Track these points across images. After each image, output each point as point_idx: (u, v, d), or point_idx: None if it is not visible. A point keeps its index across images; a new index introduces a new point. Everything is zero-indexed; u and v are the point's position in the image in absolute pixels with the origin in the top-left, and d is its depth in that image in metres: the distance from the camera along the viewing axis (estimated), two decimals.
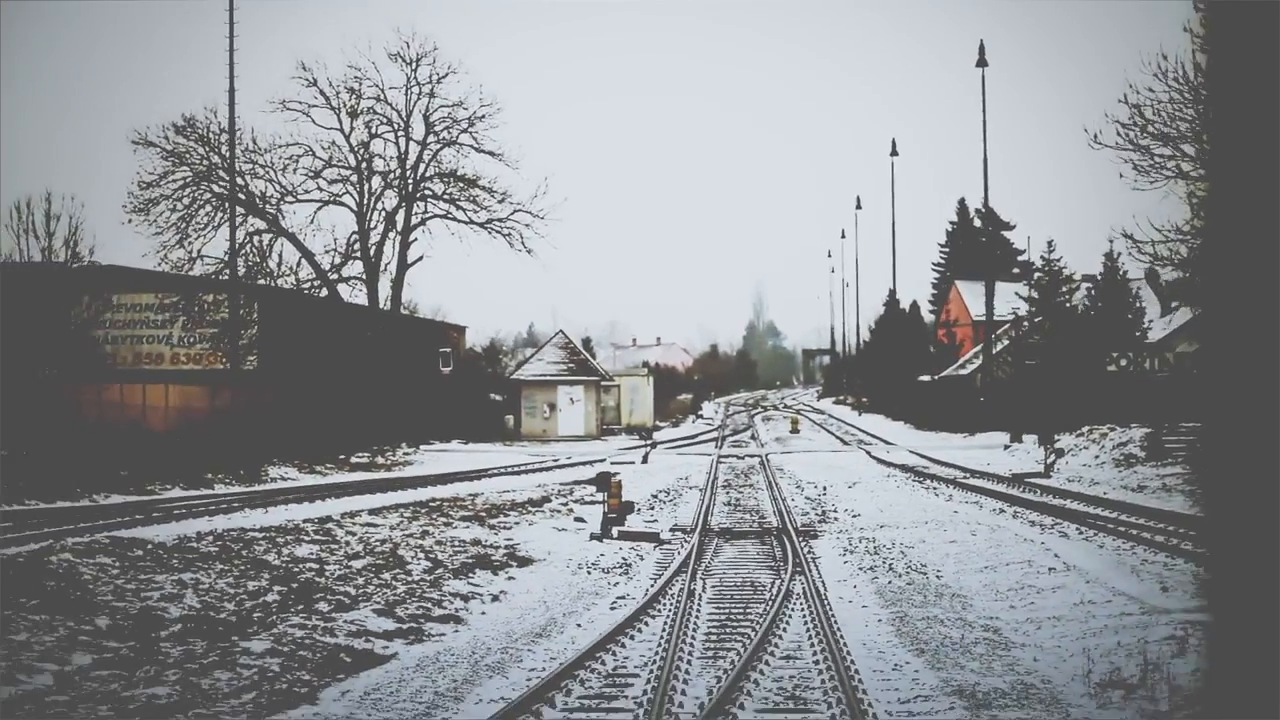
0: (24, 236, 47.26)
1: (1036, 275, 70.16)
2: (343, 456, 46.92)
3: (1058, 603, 16.98)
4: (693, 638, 15.05)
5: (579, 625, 16.17)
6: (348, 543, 23.44)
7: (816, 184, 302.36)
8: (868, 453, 53.07)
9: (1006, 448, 48.24)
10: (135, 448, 41.02)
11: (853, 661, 13.39)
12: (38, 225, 47.16)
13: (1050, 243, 72.69)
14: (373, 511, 28.52)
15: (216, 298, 58.61)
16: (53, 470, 35.33)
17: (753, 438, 71.70)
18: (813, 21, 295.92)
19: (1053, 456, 38.77)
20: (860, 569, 20.60)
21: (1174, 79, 28.46)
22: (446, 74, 61.25)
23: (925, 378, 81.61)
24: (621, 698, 12.15)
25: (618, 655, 14.11)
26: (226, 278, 57.79)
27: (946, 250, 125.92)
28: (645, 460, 48.45)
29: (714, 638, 15.17)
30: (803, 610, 16.57)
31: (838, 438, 69.43)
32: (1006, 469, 39.17)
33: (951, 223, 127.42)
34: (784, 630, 15.43)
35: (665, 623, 15.67)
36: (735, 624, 15.99)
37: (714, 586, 18.97)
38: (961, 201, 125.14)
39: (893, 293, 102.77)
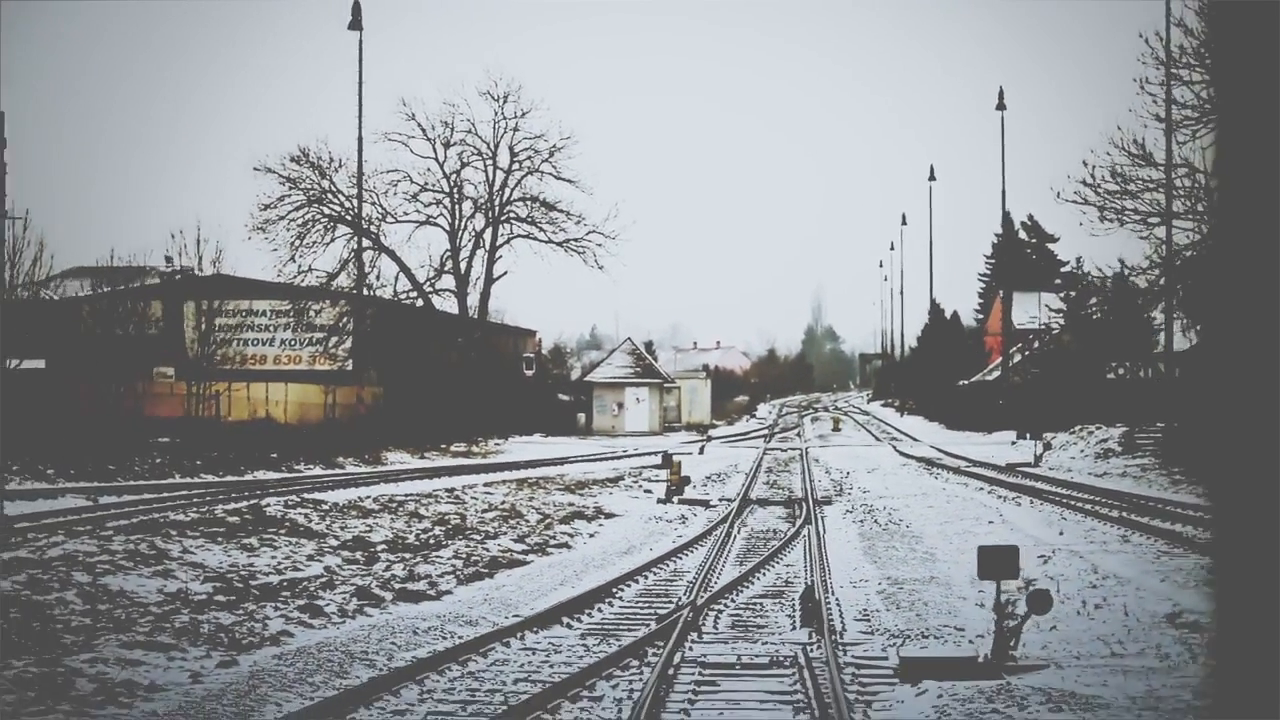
0: (179, 256, 55.46)
1: (1063, 292, 77.45)
2: (444, 446, 55.03)
3: (983, 541, 24.37)
4: (727, 555, 22.65)
5: (650, 549, 23.75)
6: (475, 503, 31.21)
7: (878, 187, 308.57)
8: (894, 448, 60.64)
9: (1013, 444, 55.54)
10: (273, 436, 49.10)
11: (828, 565, 20.94)
12: (189, 246, 55.31)
13: (1079, 259, 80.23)
14: (486, 485, 36.36)
15: (327, 306, 66.62)
16: (215, 453, 43.35)
17: (798, 435, 79.27)
18: (873, 35, 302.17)
19: (1042, 450, 46.14)
20: (854, 522, 28.13)
21: (1124, 147, 35.73)
22: (529, 110, 69.33)
23: (964, 382, 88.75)
24: (680, 580, 19.75)
25: (677, 563, 21.72)
26: (335, 289, 65.96)
27: (992, 261, 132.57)
28: (702, 451, 56.14)
29: (741, 556, 22.75)
30: (804, 543, 24.06)
31: (874, 435, 77.03)
32: (1004, 460, 46.44)
33: (997, 234, 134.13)
34: (789, 552, 22.97)
35: (709, 549, 23.23)
36: (757, 549, 23.55)
37: (746, 531, 26.57)
38: (1006, 214, 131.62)
39: (934, 304, 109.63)
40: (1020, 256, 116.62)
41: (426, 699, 12.09)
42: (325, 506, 29.24)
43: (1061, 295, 77.18)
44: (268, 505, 28.88)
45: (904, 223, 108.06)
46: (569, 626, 15.92)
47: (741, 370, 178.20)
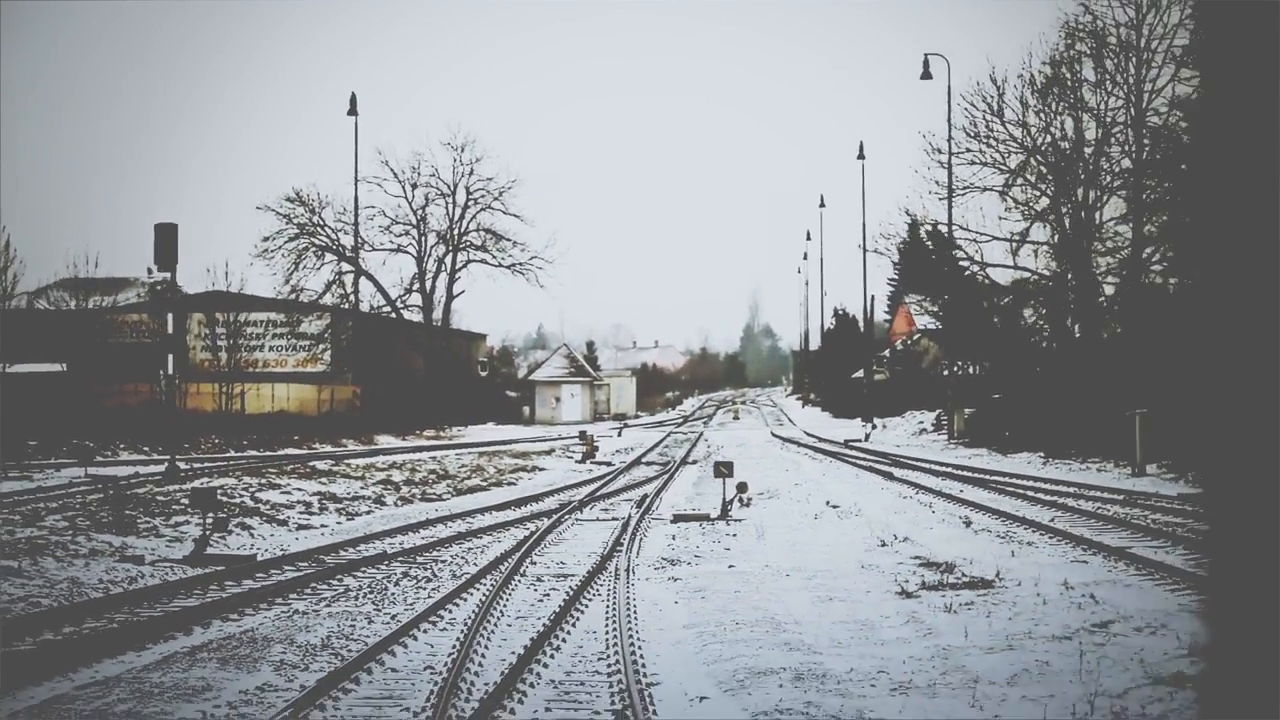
0: (211, 285, 70.04)
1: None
2: (418, 431, 69.89)
3: (778, 479, 39.41)
4: (609, 486, 37.59)
5: (565, 487, 38.58)
6: (451, 464, 46.00)
7: (815, 185, 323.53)
8: (772, 431, 75.95)
9: (861, 426, 70.77)
10: (288, 424, 63.69)
11: (667, 489, 35.90)
12: (218, 275, 69.95)
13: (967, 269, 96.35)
14: (456, 454, 51.19)
15: (314, 318, 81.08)
16: (254, 435, 57.86)
17: (704, 424, 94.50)
18: (808, 23, 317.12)
19: (871, 430, 61.36)
20: (701, 471, 43.12)
21: (907, 212, 50.88)
22: (482, 157, 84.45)
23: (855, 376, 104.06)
24: (578, 495, 34.62)
25: (578, 490, 36.60)
26: (324, 304, 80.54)
27: (900, 265, 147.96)
28: (620, 434, 71.15)
29: (623, 488, 37.68)
30: (660, 481, 38.95)
31: (765, 422, 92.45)
32: (844, 437, 61.56)
33: (904, 240, 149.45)
34: (648, 486, 37.85)
35: (599, 484, 38.09)
36: (629, 485, 38.47)
37: (628, 478, 41.52)
38: (912, 222, 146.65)
39: (836, 310, 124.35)
40: (926, 261, 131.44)
41: (448, 529, 26.99)
42: (353, 465, 43.89)
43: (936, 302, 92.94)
44: (314, 464, 43.54)
45: (809, 238, 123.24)
46: (514, 510, 30.86)
47: (674, 368, 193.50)
